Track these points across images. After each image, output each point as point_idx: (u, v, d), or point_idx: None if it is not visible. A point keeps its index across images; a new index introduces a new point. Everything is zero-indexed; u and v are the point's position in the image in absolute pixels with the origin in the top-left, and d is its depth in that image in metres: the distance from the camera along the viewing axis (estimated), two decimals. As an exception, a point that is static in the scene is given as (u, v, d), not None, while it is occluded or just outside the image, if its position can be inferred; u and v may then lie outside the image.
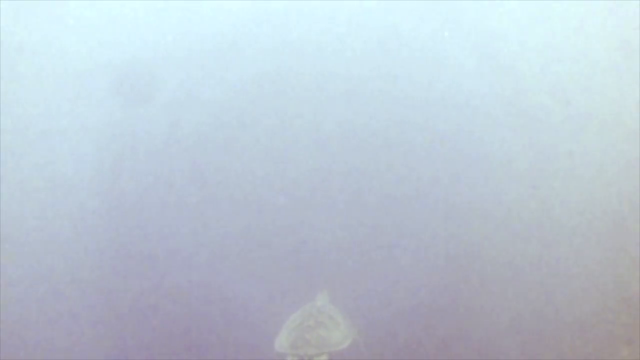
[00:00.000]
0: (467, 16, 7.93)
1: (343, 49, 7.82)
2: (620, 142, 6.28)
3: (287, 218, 6.08)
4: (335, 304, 5.05)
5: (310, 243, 5.87)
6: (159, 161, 6.61)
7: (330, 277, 5.80)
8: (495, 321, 5.30)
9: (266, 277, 5.68)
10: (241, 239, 5.94)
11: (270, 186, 6.32)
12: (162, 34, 8.17)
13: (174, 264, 5.77)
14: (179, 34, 8.18)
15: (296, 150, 6.62)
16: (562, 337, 5.12)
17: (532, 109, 6.72)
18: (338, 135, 6.76)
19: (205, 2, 8.56)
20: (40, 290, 5.64)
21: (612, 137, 6.35)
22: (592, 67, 7.07)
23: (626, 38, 7.19)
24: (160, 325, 5.41)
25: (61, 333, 5.35)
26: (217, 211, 6.15)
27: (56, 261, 5.82)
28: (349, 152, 6.58)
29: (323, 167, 6.46)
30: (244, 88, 7.40)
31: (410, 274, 5.60)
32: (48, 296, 5.59)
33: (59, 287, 5.65)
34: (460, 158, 6.38)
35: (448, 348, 5.21)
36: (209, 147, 6.73)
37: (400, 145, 6.56)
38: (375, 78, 7.38)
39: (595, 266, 5.50)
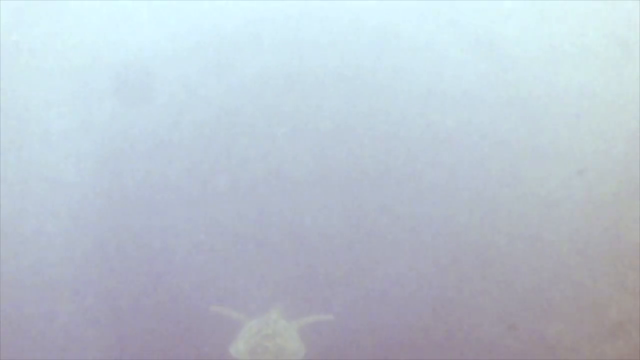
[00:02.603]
0: (467, 16, 7.93)
1: (343, 48, 7.82)
2: (620, 142, 6.28)
3: (288, 217, 6.08)
4: (289, 318, 5.22)
5: (310, 242, 5.86)
6: (159, 161, 6.61)
7: (329, 277, 5.80)
8: (496, 321, 5.30)
9: (267, 277, 5.67)
10: (241, 239, 5.94)
11: (270, 185, 6.32)
12: (162, 34, 8.16)
13: (174, 264, 5.76)
14: (179, 33, 8.17)
15: (296, 150, 6.62)
16: (562, 336, 5.11)
17: (532, 109, 6.72)
18: (338, 135, 6.76)
19: (206, 1, 8.56)
20: (40, 289, 5.63)
21: (612, 137, 6.35)
22: (592, 67, 7.07)
23: (626, 38, 7.19)
24: (160, 325, 5.40)
25: (61, 333, 5.35)
26: (217, 211, 6.14)
27: (56, 260, 5.81)
28: (349, 152, 6.58)
29: (323, 166, 6.46)
30: (245, 87, 7.39)
31: (409, 274, 5.59)
32: (47, 296, 5.59)
33: (59, 287, 5.64)
34: (459, 158, 6.37)
35: (448, 348, 5.20)
36: (210, 146, 6.73)
37: (401, 145, 6.56)
38: (375, 78, 7.38)
39: (595, 266, 5.50)
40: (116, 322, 5.42)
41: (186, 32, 8.20)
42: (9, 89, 7.39)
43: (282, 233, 5.98)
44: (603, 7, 7.62)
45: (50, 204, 6.24)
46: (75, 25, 8.00)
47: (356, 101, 7.11)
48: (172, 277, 5.65)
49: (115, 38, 7.94)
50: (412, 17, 8.08)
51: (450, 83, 7.14)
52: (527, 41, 7.51)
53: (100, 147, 6.76)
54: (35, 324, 5.44)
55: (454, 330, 5.29)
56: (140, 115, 7.11)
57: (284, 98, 7.23)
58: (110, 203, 6.21)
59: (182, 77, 7.60)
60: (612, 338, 5.13)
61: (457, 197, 6.08)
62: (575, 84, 6.91)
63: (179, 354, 5.30)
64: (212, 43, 7.99)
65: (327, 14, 8.26)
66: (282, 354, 4.89)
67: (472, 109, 6.81)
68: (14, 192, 6.36)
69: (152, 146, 6.75)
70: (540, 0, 7.96)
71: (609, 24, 7.45)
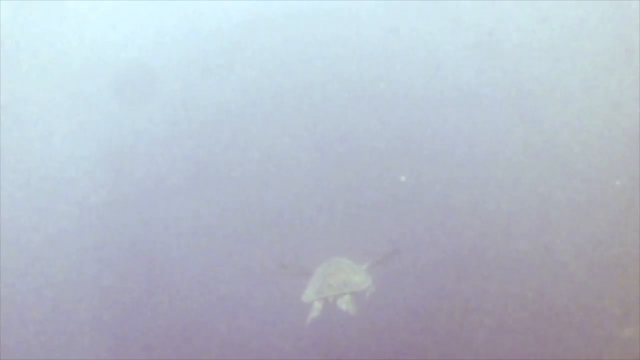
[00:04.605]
0: (467, 16, 7.94)
1: (343, 49, 7.84)
2: (620, 142, 6.28)
3: (286, 219, 6.08)
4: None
5: (309, 245, 5.86)
6: (159, 160, 6.62)
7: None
8: (495, 321, 5.31)
9: (265, 277, 5.68)
10: (240, 238, 5.94)
11: (269, 187, 6.32)
12: (162, 34, 8.19)
13: (174, 262, 5.77)
14: (179, 34, 8.20)
15: (296, 151, 6.63)
16: (562, 337, 5.12)
17: (532, 109, 6.72)
18: (337, 135, 6.76)
19: (206, 2, 8.58)
20: (40, 289, 5.64)
21: (612, 137, 6.35)
22: (592, 67, 7.08)
23: (626, 38, 7.20)
24: (160, 324, 5.41)
25: (61, 332, 5.36)
26: (216, 210, 6.15)
27: (56, 260, 5.82)
28: (348, 152, 6.58)
29: (323, 166, 6.47)
30: (244, 88, 7.41)
31: (409, 274, 5.60)
32: (48, 295, 5.60)
33: (59, 287, 5.65)
34: (459, 157, 6.38)
35: (447, 348, 5.21)
36: (209, 146, 6.74)
37: (400, 144, 6.56)
38: (375, 78, 7.39)
39: (595, 266, 5.50)
40: (116, 320, 5.43)
41: (186, 32, 8.22)
42: (9, 89, 7.41)
43: (280, 234, 5.98)
44: (603, 7, 7.63)
45: (51, 204, 6.25)
46: (75, 25, 8.02)
47: (356, 100, 7.12)
48: (171, 276, 5.65)
49: (115, 38, 7.96)
50: (412, 17, 8.10)
51: (450, 82, 7.15)
52: (527, 41, 7.53)
53: (100, 147, 6.77)
54: (36, 324, 5.44)
55: (452, 330, 5.30)
56: (140, 115, 7.13)
57: (284, 97, 7.24)
58: (110, 202, 6.22)
59: (182, 77, 7.62)
60: (613, 337, 5.14)
61: (456, 195, 6.08)
62: (575, 84, 6.92)
63: (179, 352, 5.31)
64: (212, 43, 8.01)
65: (327, 14, 8.28)
66: (346, 287, 5.19)
67: (472, 108, 6.82)
68: (14, 192, 6.37)
69: (151, 146, 6.76)
70: (540, 0, 7.98)
71: (609, 24, 7.46)
